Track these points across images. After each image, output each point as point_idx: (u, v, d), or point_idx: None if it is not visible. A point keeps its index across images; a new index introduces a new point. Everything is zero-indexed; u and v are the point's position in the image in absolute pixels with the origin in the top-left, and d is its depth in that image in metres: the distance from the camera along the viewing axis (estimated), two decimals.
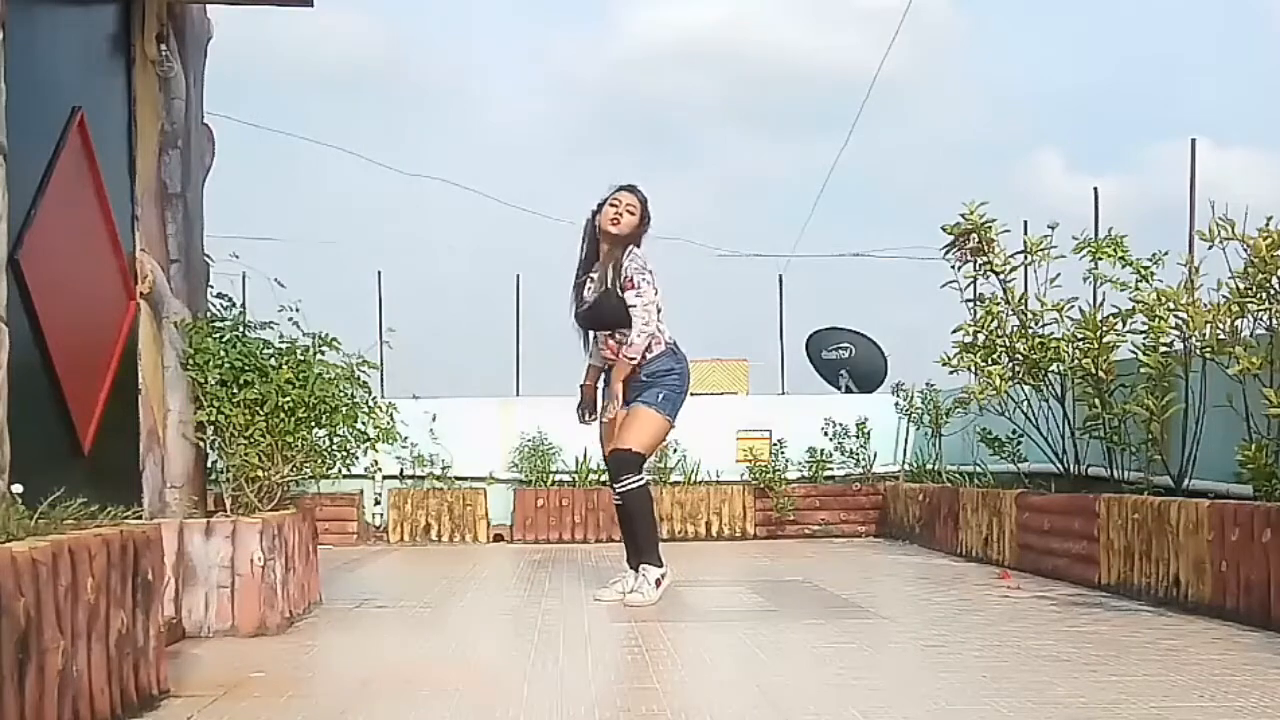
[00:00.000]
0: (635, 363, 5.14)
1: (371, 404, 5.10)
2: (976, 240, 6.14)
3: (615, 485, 5.21)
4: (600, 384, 5.42)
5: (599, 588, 5.32)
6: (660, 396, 5.16)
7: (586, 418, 5.49)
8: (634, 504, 5.20)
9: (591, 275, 5.26)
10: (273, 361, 4.78)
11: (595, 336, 5.36)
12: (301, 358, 4.83)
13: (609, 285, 5.12)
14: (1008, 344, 6.10)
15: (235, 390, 4.69)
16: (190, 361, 4.68)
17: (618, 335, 5.19)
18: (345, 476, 6.20)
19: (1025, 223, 6.89)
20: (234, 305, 5.08)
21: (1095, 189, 8.22)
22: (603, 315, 5.19)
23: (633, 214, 5.19)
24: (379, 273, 10.64)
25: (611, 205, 5.20)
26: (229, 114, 7.07)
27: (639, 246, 5.21)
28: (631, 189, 5.25)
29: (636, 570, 5.23)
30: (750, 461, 9.33)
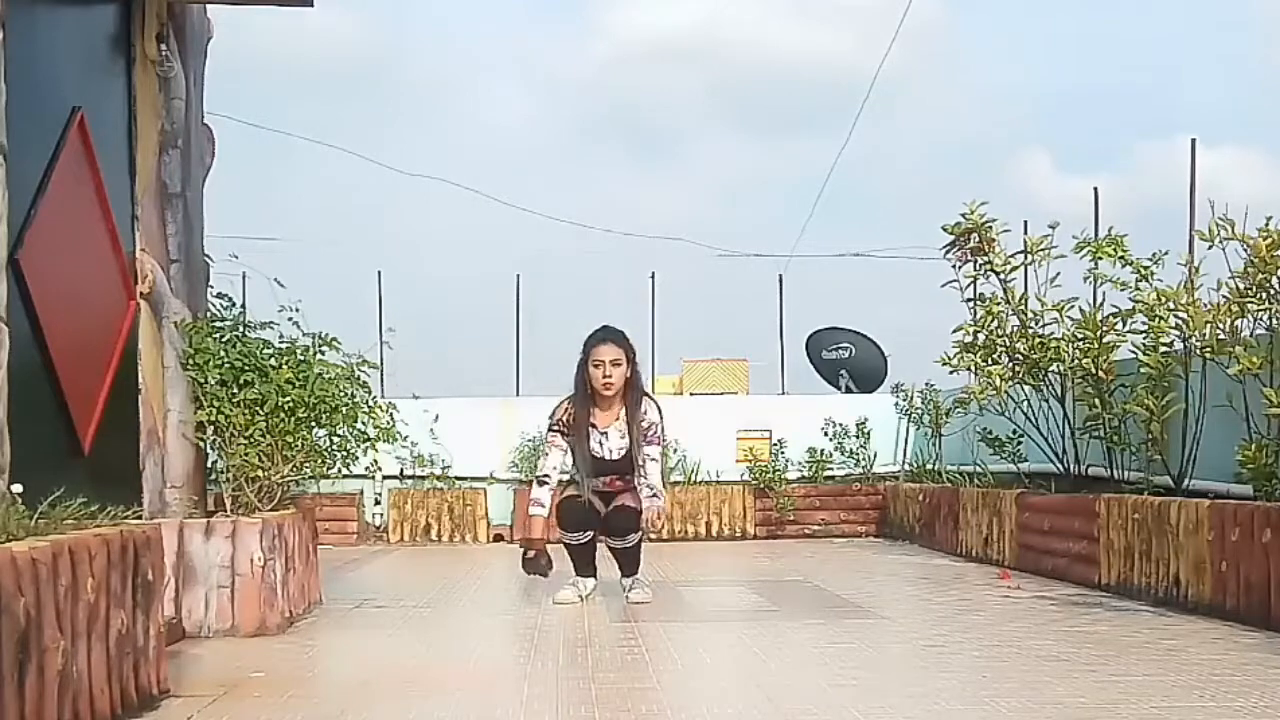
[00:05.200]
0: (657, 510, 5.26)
1: (371, 404, 5.10)
2: (977, 240, 6.14)
3: (616, 540, 5.30)
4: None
5: (558, 590, 5.31)
6: (659, 451, 5.34)
7: (547, 572, 5.36)
8: (636, 551, 5.38)
9: (593, 424, 5.29)
10: (273, 361, 4.78)
11: (597, 480, 5.34)
12: (301, 358, 4.84)
13: (634, 439, 5.25)
14: (1008, 344, 6.10)
15: (235, 390, 4.69)
16: (190, 361, 4.68)
17: (625, 478, 5.32)
18: (345, 476, 6.22)
19: (1025, 223, 6.91)
20: (234, 305, 5.08)
21: (1095, 189, 8.23)
22: (622, 466, 5.30)
23: (619, 365, 5.24)
24: (379, 272, 10.65)
25: (595, 366, 5.22)
26: (229, 114, 7.07)
27: (639, 385, 5.33)
28: (608, 338, 5.25)
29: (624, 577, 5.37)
30: (750, 461, 9.33)
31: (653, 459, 5.26)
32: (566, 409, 5.34)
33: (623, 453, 5.29)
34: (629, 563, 5.38)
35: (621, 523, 5.25)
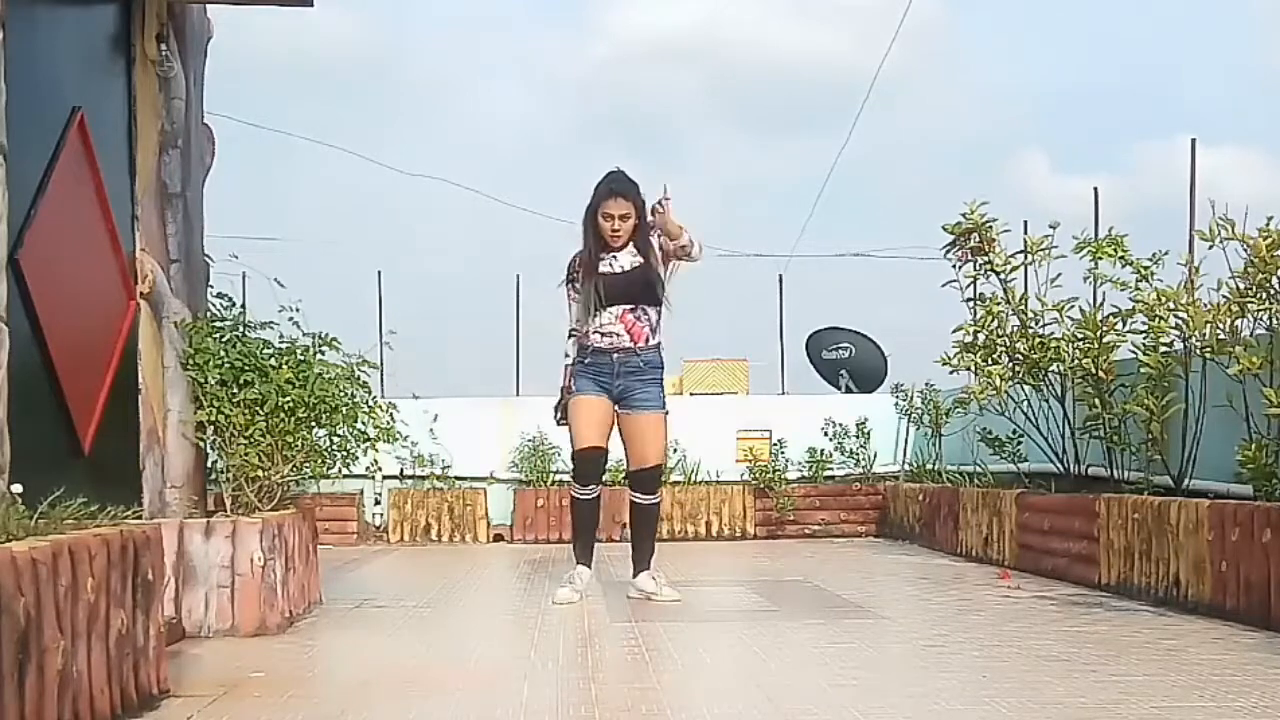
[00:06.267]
0: (682, 245, 5.18)
1: (371, 404, 5.10)
2: (977, 240, 6.14)
3: (646, 496, 5.35)
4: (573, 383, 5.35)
5: (557, 590, 5.28)
6: (661, 397, 5.34)
7: (562, 419, 5.42)
8: (656, 512, 5.45)
9: (604, 257, 5.22)
10: (273, 361, 4.78)
11: (606, 313, 5.21)
12: (301, 358, 4.83)
13: (649, 261, 5.23)
14: (1008, 344, 6.10)
15: (235, 390, 4.69)
16: (190, 361, 4.68)
17: (637, 312, 5.22)
18: (345, 476, 6.21)
19: (1025, 223, 6.90)
20: (234, 305, 5.08)
21: (1095, 189, 8.23)
22: (636, 285, 5.22)
23: (628, 218, 5.18)
24: (379, 273, 10.65)
25: (605, 219, 5.17)
26: (229, 114, 7.07)
27: (646, 229, 5.24)
28: (618, 192, 5.17)
29: (640, 573, 5.35)
30: (750, 461, 9.33)
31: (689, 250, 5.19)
32: (579, 260, 5.31)
33: (635, 268, 5.21)
34: (646, 532, 5.36)
35: (648, 481, 5.31)
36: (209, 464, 4.93)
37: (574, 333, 5.33)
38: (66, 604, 2.59)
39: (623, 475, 6.26)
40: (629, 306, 5.22)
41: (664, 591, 5.24)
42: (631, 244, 5.24)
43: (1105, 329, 5.63)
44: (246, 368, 4.70)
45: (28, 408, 3.40)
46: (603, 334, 5.23)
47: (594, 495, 5.35)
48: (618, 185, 5.20)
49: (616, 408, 5.28)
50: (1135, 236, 5.55)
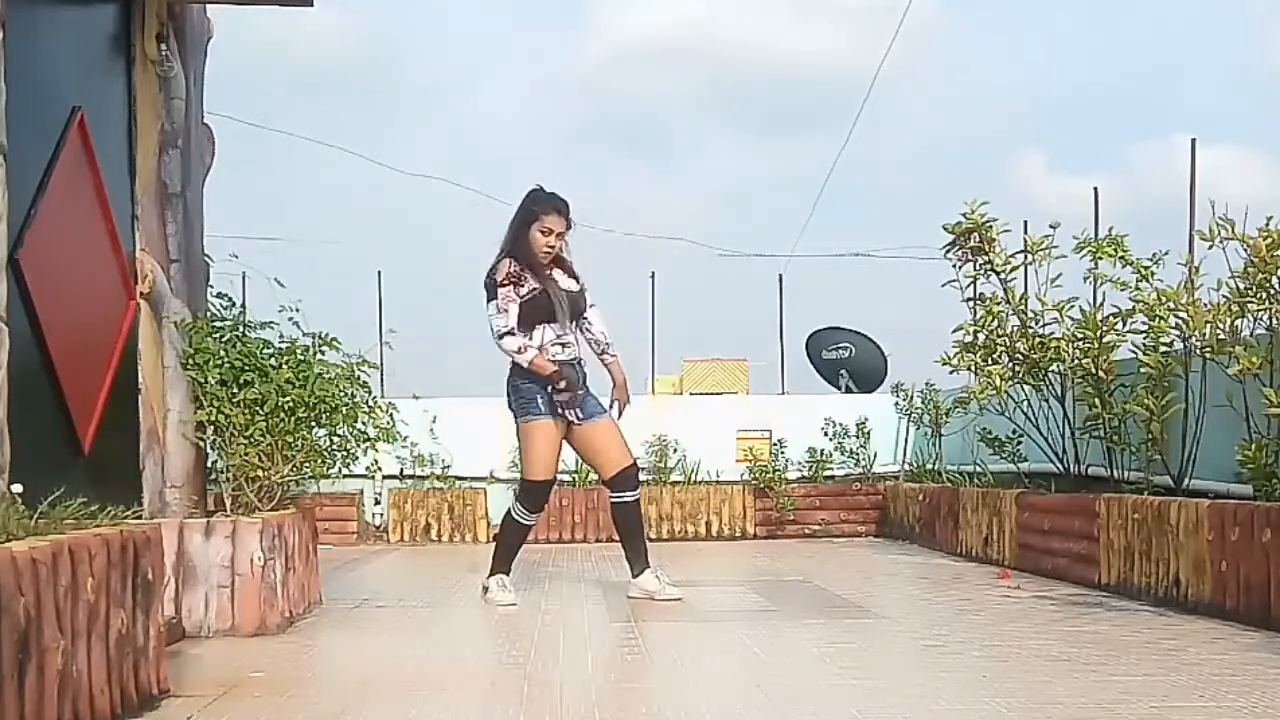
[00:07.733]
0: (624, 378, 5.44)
1: (371, 404, 5.10)
2: (977, 239, 6.13)
3: (632, 493, 5.35)
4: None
5: (493, 594, 5.29)
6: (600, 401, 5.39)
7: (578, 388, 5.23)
8: (640, 506, 5.44)
9: (547, 270, 5.25)
10: (273, 361, 4.78)
11: (566, 330, 5.21)
12: (301, 358, 4.84)
13: (581, 289, 5.33)
14: (1008, 344, 6.10)
15: (235, 390, 4.69)
16: (190, 361, 4.68)
17: (577, 331, 5.32)
18: (345, 476, 6.21)
19: (1025, 222, 6.90)
20: (234, 305, 5.08)
21: (1095, 189, 8.22)
22: (578, 307, 5.31)
23: (562, 237, 5.24)
24: (379, 273, 10.65)
25: (543, 233, 5.17)
26: (229, 114, 7.07)
27: (566, 253, 5.36)
28: (559, 209, 5.20)
29: (642, 572, 5.35)
30: (750, 461, 9.33)
31: (599, 315, 5.41)
32: (512, 266, 5.14)
33: (576, 291, 5.29)
34: (638, 529, 5.37)
35: (632, 479, 5.33)
36: (209, 464, 4.93)
37: (514, 332, 5.07)
38: (66, 604, 2.59)
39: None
40: (574, 324, 5.29)
41: (667, 590, 5.24)
42: (555, 271, 5.26)
43: (1105, 329, 5.63)
44: (246, 368, 4.71)
45: (28, 408, 3.40)
46: (563, 344, 5.18)
47: (535, 523, 5.46)
48: (557, 200, 5.23)
49: (570, 423, 5.22)
50: (1135, 236, 5.55)
